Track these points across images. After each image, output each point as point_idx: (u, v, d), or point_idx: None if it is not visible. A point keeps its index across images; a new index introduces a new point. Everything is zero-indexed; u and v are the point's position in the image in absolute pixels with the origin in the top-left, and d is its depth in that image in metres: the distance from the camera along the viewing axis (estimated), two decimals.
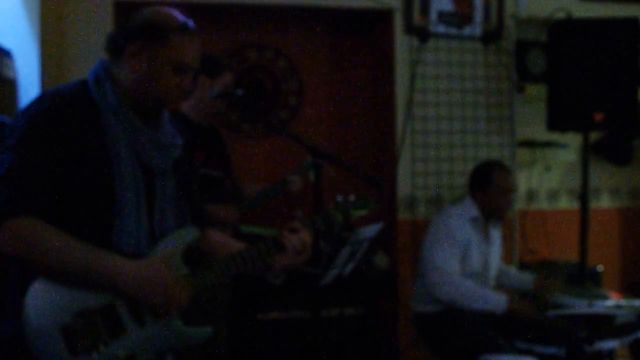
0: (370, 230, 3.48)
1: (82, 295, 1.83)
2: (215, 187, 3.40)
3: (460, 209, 3.83)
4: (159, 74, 1.95)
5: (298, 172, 3.59)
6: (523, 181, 4.78)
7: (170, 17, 1.98)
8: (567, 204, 4.86)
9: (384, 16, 4.49)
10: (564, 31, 4.18)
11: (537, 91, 4.59)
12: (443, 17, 4.47)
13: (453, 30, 4.51)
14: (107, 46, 2.00)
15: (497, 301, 3.59)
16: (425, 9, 4.45)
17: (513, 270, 4.13)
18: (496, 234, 3.95)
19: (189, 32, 1.98)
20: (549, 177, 4.86)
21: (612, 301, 3.63)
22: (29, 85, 3.47)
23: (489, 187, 3.78)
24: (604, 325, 3.45)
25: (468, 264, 3.73)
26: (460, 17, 4.51)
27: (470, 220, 3.77)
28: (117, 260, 1.85)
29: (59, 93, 1.94)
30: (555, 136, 4.59)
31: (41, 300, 1.79)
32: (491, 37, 4.58)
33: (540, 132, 4.57)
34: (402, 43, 4.45)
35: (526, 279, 3.96)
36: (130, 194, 1.91)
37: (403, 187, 4.48)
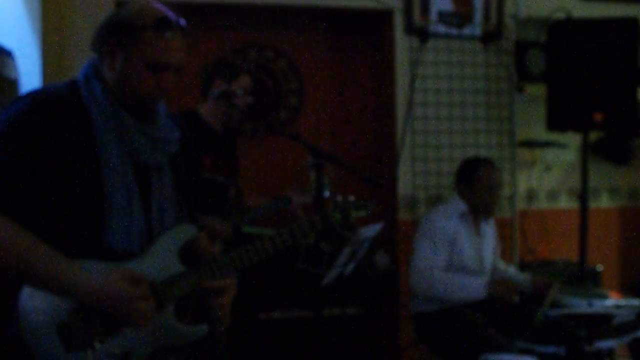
0: (370, 230, 3.48)
1: None
2: (217, 193, 3.39)
3: (447, 206, 3.89)
4: (134, 73, 1.87)
5: (301, 193, 3.57)
6: (523, 181, 4.78)
7: (145, 13, 1.86)
8: (566, 203, 4.86)
9: (384, 16, 4.50)
10: (564, 31, 4.19)
11: (537, 91, 4.59)
12: (443, 17, 4.48)
13: (453, 31, 4.51)
14: (91, 44, 1.94)
15: (476, 287, 3.69)
16: (425, 9, 4.45)
17: (511, 269, 4.13)
18: (488, 228, 3.97)
19: (167, 27, 1.86)
20: (548, 177, 4.86)
21: (611, 301, 3.64)
22: (30, 85, 3.46)
23: (473, 183, 3.80)
24: (604, 324, 3.46)
25: (459, 257, 3.77)
26: (460, 17, 4.52)
27: (459, 215, 3.81)
28: (78, 273, 1.78)
29: (42, 93, 1.89)
30: (555, 136, 4.59)
31: (37, 297, 1.79)
32: (491, 37, 4.59)
33: (540, 132, 4.58)
34: (402, 43, 4.46)
35: (524, 279, 3.97)
36: (120, 193, 1.87)
37: (403, 187, 4.49)
